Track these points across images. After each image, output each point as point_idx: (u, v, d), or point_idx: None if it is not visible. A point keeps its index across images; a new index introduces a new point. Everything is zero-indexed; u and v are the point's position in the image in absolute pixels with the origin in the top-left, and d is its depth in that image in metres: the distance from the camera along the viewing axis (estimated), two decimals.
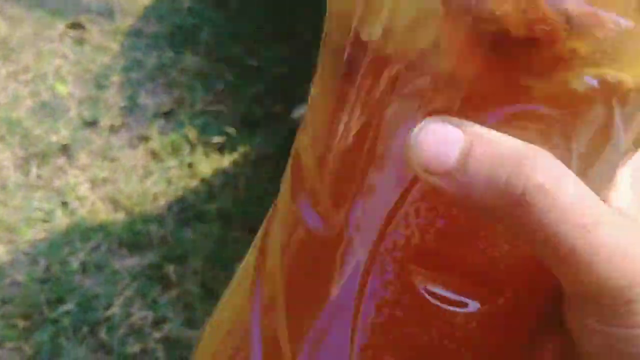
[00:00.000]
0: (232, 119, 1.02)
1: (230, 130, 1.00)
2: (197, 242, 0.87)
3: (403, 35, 0.21)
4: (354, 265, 0.23)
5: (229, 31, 1.15)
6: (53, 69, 1.08)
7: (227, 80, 1.08)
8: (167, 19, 1.16)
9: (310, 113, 0.26)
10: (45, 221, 0.89)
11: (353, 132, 0.23)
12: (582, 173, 0.22)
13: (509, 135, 0.21)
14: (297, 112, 1.05)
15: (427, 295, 0.23)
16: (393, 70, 0.21)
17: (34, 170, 0.94)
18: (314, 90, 0.25)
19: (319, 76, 0.25)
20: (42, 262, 0.84)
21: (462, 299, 0.23)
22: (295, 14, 1.15)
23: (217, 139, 0.99)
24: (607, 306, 0.21)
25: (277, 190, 0.26)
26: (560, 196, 0.20)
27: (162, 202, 0.91)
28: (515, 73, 0.20)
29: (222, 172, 0.95)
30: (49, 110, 1.02)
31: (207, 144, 0.99)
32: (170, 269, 0.84)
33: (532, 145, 0.20)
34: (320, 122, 0.25)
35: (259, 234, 0.29)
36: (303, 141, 0.26)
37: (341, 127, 0.23)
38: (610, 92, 0.21)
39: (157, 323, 0.79)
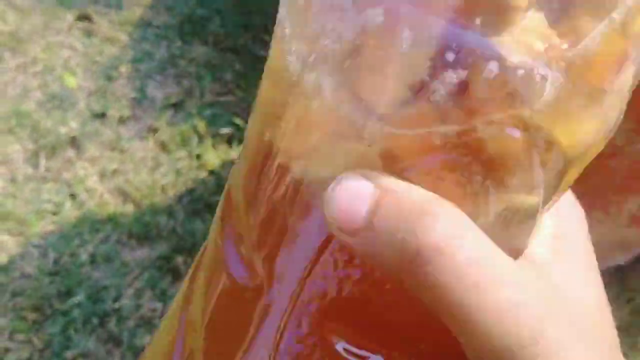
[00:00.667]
0: (240, 110, 1.02)
1: (239, 121, 1.00)
2: (206, 234, 0.87)
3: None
4: (272, 319, 0.23)
5: (238, 21, 1.14)
6: (62, 60, 1.07)
7: (236, 70, 1.07)
8: (176, 10, 1.16)
9: (244, 148, 0.25)
10: (54, 213, 0.89)
11: (279, 179, 0.22)
12: (501, 223, 0.21)
13: (427, 186, 0.20)
14: None
15: (342, 352, 0.22)
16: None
17: (43, 163, 0.94)
18: (249, 122, 0.25)
19: (258, 97, 0.25)
20: (52, 255, 0.84)
21: (378, 355, 0.22)
22: None
23: (225, 130, 0.99)
24: None
25: None
26: (455, 256, 0.19)
27: (171, 193, 0.91)
28: (432, 125, 0.20)
29: (230, 164, 0.95)
30: (58, 102, 1.02)
31: (215, 135, 0.99)
32: (179, 260, 0.84)
33: (438, 200, 0.20)
34: (252, 161, 0.24)
35: (187, 278, 0.29)
36: (236, 178, 0.25)
37: (270, 171, 0.23)
38: (531, 144, 0.20)
39: None
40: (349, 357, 0.22)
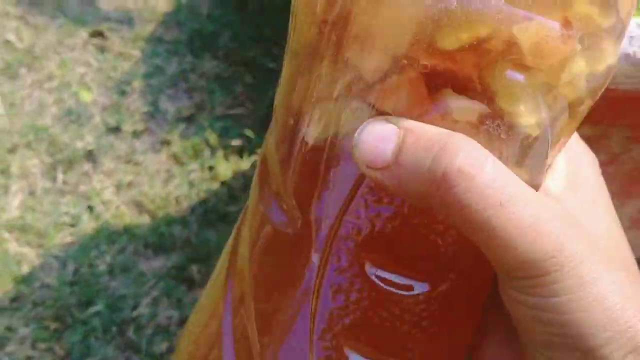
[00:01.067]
0: (251, 122, 1.04)
1: (249, 133, 1.02)
2: (219, 243, 0.89)
3: (358, 54, 0.23)
4: (314, 256, 0.25)
5: (248, 35, 1.17)
6: (77, 76, 1.10)
7: (247, 83, 1.09)
8: (186, 25, 1.18)
9: (274, 120, 0.27)
10: (72, 225, 0.91)
11: (314, 133, 0.25)
12: (515, 161, 0.23)
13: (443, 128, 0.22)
14: None
15: (377, 280, 0.24)
16: (347, 78, 0.23)
17: (60, 176, 0.97)
18: (276, 97, 0.27)
19: (282, 77, 0.27)
20: (71, 265, 0.87)
21: (410, 282, 0.24)
22: None
23: (236, 142, 1.01)
24: (525, 278, 0.22)
25: None
26: (478, 177, 0.21)
27: (185, 204, 0.93)
28: (449, 72, 0.22)
29: (241, 175, 0.97)
30: (73, 117, 1.04)
31: (227, 147, 1.01)
32: (194, 269, 0.86)
33: (456, 133, 0.22)
34: (282, 128, 0.26)
35: (231, 237, 0.31)
36: (269, 145, 0.28)
37: (299, 133, 0.25)
38: (536, 88, 0.22)
39: (183, 322, 0.81)
40: (387, 286, 0.24)
